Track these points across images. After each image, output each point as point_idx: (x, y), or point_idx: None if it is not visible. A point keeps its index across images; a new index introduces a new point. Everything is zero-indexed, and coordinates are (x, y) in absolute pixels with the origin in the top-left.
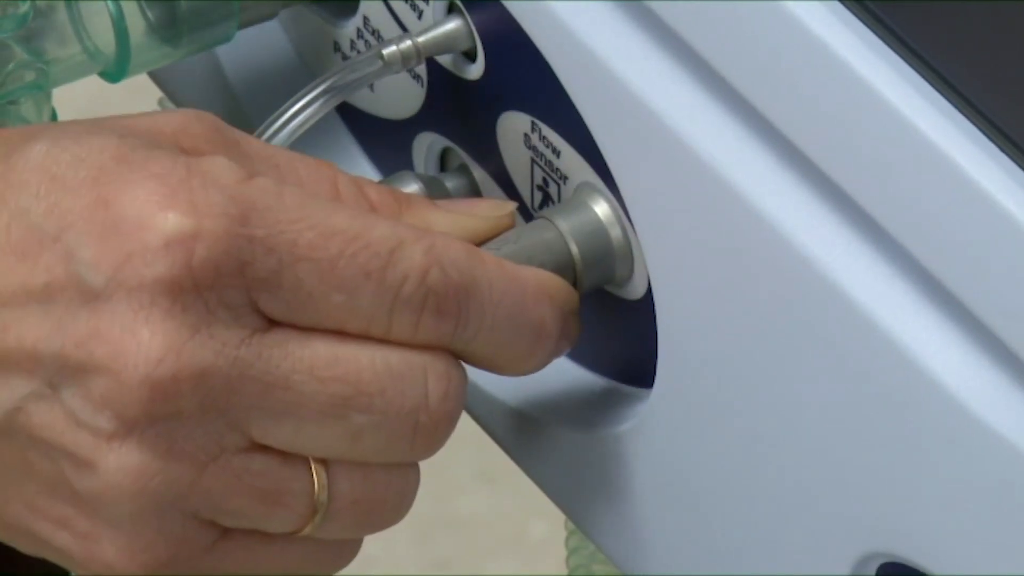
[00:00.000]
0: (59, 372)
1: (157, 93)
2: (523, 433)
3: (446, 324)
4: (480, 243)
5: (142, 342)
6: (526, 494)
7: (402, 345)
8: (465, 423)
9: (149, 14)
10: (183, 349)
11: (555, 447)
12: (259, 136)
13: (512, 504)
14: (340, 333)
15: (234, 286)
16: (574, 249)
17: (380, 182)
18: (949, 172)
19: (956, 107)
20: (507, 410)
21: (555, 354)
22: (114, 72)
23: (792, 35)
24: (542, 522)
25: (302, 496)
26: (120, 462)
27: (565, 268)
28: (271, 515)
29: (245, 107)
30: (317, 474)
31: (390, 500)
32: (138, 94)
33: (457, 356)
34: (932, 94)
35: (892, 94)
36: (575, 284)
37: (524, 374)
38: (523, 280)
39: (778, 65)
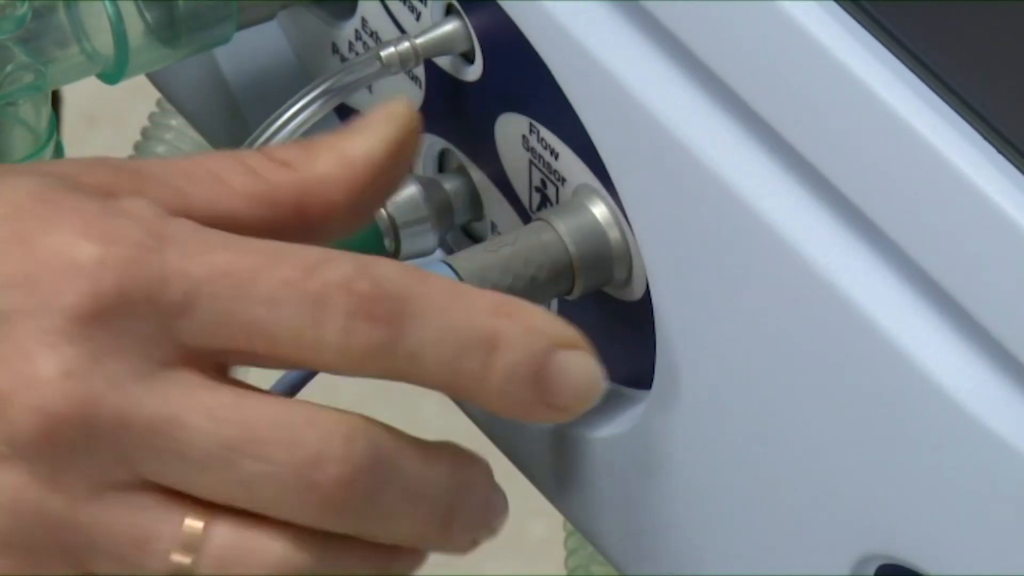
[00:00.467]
0: None
1: (155, 94)
2: (521, 435)
3: (379, 331)
4: (396, 149)
5: (39, 368)
6: (526, 494)
7: (321, 407)
8: (464, 423)
9: (147, 15)
10: (80, 378)
11: (553, 449)
12: (258, 137)
13: (512, 504)
14: (249, 389)
15: (146, 315)
16: (572, 251)
17: None
18: (947, 173)
19: (953, 108)
20: None
21: (549, 403)
22: (112, 73)
23: (790, 37)
24: (541, 522)
25: (171, 542)
26: (1, 482)
27: (563, 270)
28: (137, 561)
29: (243, 108)
30: (193, 523)
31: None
32: (137, 95)
33: (410, 377)
34: (929, 95)
35: (890, 96)
36: (572, 286)
37: (491, 405)
38: (472, 295)
39: (775, 67)
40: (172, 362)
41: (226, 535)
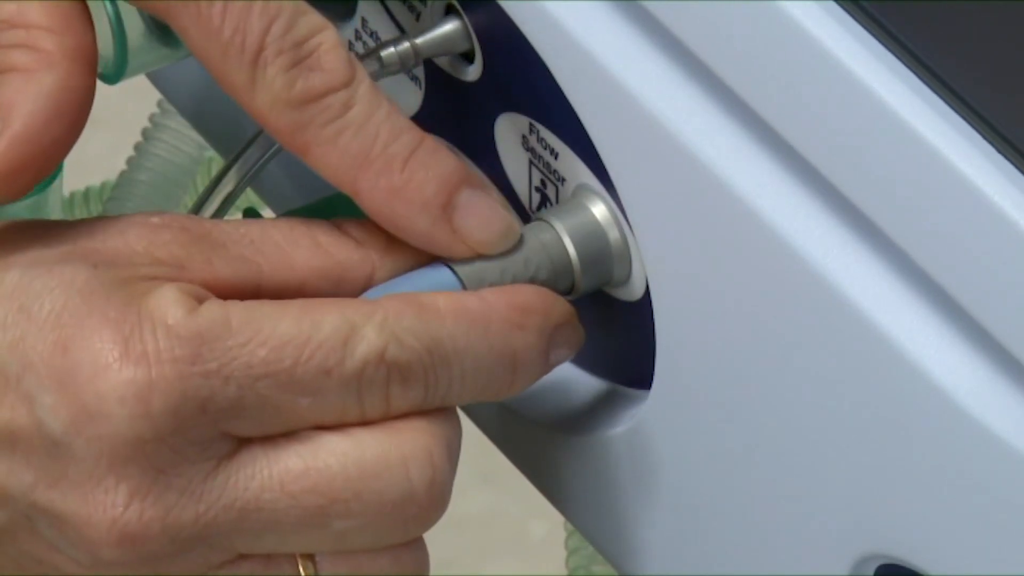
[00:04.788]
0: (31, 508)
1: (155, 95)
2: (521, 435)
3: (416, 390)
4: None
5: (107, 494)
6: (526, 494)
7: (385, 432)
8: (464, 424)
9: (147, 15)
10: (148, 493)
11: (553, 449)
12: (258, 136)
13: (512, 504)
14: (311, 438)
15: (198, 424)
16: (572, 251)
17: None
18: (947, 173)
19: (953, 108)
20: (505, 412)
21: (550, 367)
22: (112, 74)
23: (790, 37)
24: (542, 522)
25: None
26: None
27: (563, 270)
28: None
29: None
30: (304, 569)
31: None
32: (137, 95)
33: (443, 412)
34: (929, 96)
35: (890, 96)
36: (572, 286)
37: (518, 393)
38: (485, 318)
39: (775, 66)
40: (228, 452)
41: (337, 567)
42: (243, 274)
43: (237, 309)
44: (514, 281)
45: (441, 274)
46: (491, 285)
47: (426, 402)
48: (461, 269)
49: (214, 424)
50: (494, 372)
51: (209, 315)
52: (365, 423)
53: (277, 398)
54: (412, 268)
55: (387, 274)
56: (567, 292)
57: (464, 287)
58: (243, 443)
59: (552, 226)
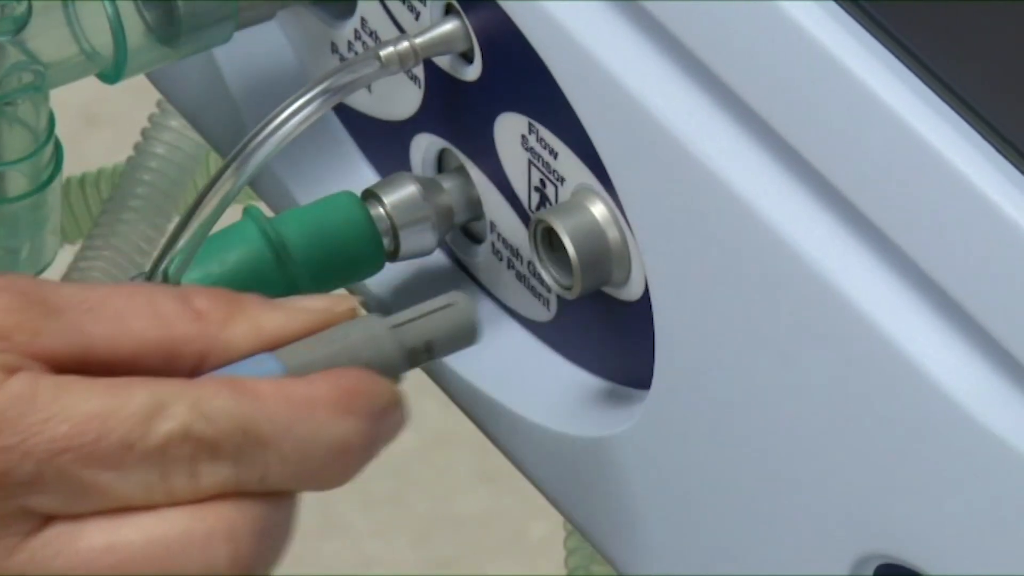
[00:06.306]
0: None
1: (155, 94)
2: (520, 434)
3: (224, 468)
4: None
5: None
6: (526, 494)
7: (189, 508)
8: (465, 424)
9: (146, 15)
10: None
11: (552, 448)
12: (256, 135)
13: (512, 504)
14: (115, 515)
15: None
16: (571, 251)
17: (376, 185)
18: (946, 173)
19: (953, 108)
20: (504, 411)
21: (373, 456)
22: (111, 73)
23: (789, 37)
24: (542, 522)
25: None
26: None
27: (389, 365)
28: None
29: (242, 108)
30: None
31: None
32: (137, 95)
33: (262, 496)
34: (929, 96)
35: (889, 96)
36: (570, 286)
37: (341, 485)
38: (314, 402)
39: (775, 66)
40: (34, 527)
41: None
42: (72, 346)
43: (46, 384)
44: None
45: (266, 364)
46: None
47: (240, 483)
48: (288, 360)
49: (13, 499)
50: (322, 458)
51: (14, 391)
52: (176, 504)
53: (78, 473)
54: (249, 346)
55: (222, 351)
56: (565, 292)
57: None
58: (48, 520)
59: (380, 319)
